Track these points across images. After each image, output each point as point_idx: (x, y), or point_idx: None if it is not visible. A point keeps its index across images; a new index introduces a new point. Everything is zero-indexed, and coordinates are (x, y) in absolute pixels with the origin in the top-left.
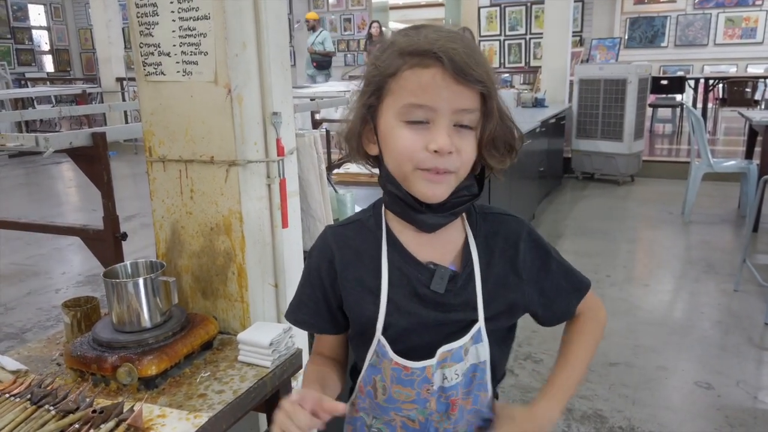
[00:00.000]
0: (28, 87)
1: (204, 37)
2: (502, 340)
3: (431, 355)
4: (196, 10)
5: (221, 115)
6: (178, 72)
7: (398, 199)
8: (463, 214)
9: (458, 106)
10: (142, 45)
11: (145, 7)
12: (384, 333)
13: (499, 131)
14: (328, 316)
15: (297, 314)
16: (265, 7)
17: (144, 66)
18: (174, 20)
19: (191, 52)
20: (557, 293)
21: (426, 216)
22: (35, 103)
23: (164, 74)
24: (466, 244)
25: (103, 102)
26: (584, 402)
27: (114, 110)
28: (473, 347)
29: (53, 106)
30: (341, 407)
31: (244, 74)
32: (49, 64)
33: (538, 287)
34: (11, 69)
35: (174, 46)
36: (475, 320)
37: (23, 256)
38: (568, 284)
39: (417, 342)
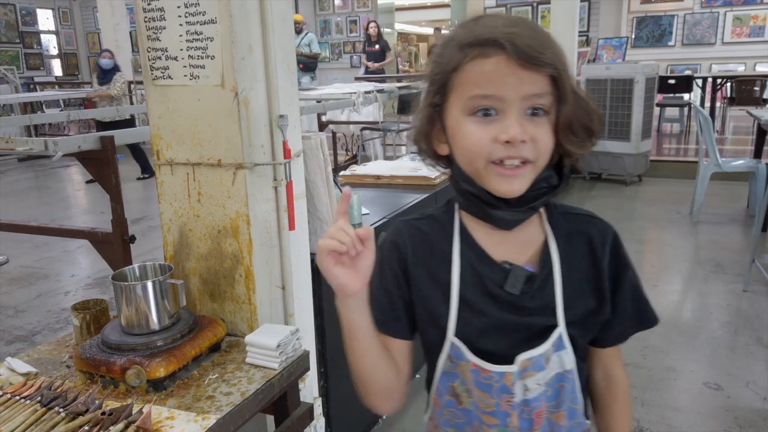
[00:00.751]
0: (36, 91)
1: (211, 41)
2: (583, 348)
3: (509, 362)
4: (203, 15)
5: (228, 118)
6: (185, 76)
7: (473, 196)
8: (542, 213)
9: (527, 92)
10: (149, 49)
11: (152, 12)
12: (457, 335)
13: (576, 114)
14: (397, 313)
15: (373, 314)
16: (271, 11)
17: (152, 70)
18: (181, 24)
19: (198, 56)
20: (620, 315)
21: (503, 212)
22: (44, 107)
23: (172, 78)
24: (545, 243)
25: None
26: None
27: (122, 114)
28: (555, 355)
29: (61, 110)
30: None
31: (250, 77)
32: (57, 68)
33: (609, 301)
34: (20, 73)
35: (181, 50)
36: (555, 325)
37: (33, 258)
38: (634, 310)
39: (492, 347)
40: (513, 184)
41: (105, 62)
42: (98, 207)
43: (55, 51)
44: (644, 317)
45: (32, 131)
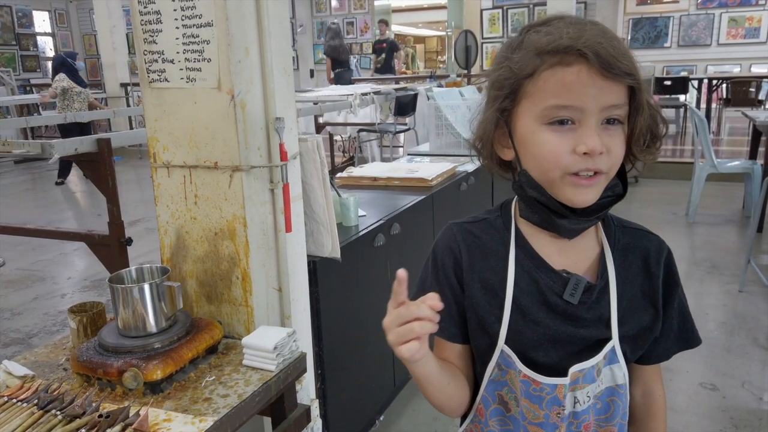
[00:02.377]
0: (33, 93)
1: (207, 44)
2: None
3: (560, 374)
4: (200, 18)
5: (225, 120)
6: (182, 78)
7: (540, 204)
8: (599, 224)
9: (606, 103)
10: (146, 52)
11: (149, 14)
12: (507, 342)
13: (647, 122)
14: (454, 317)
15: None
16: (267, 13)
17: (148, 73)
18: (178, 27)
19: (195, 58)
20: (666, 333)
21: (569, 221)
22: (40, 109)
23: (168, 81)
24: (601, 254)
25: (107, 107)
26: None
27: (118, 116)
28: (607, 368)
29: (58, 112)
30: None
31: (247, 80)
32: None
33: (663, 313)
34: (16, 75)
35: (178, 53)
36: (608, 338)
37: (29, 261)
38: (680, 329)
39: (544, 357)
40: (587, 195)
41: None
42: (95, 209)
43: (51, 53)
44: (689, 337)
45: (28, 133)
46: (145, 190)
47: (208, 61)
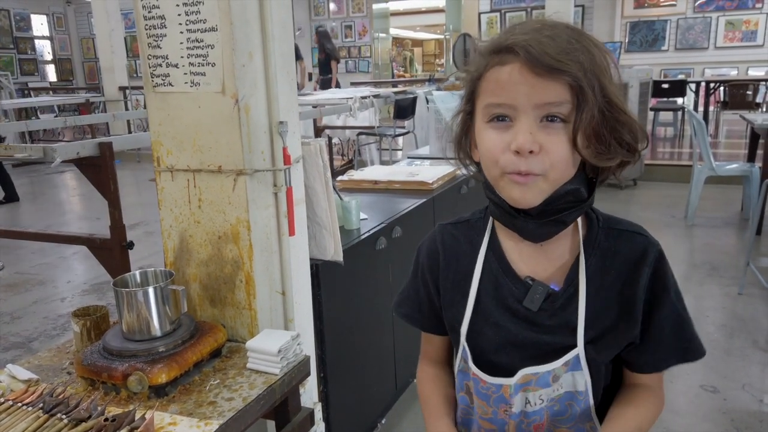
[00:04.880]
0: (31, 96)
1: (211, 48)
2: (603, 369)
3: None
4: (204, 22)
5: (228, 124)
6: (185, 83)
7: (497, 205)
8: (580, 228)
9: (540, 101)
10: (150, 57)
11: (153, 19)
12: (469, 341)
13: (606, 124)
14: (432, 314)
15: (403, 308)
16: (271, 18)
17: (152, 77)
18: (182, 32)
19: (199, 63)
20: (656, 342)
21: (525, 223)
22: (38, 112)
23: (172, 85)
24: (576, 260)
25: (106, 111)
26: None
27: (117, 119)
28: (568, 374)
29: (56, 116)
30: None
31: (250, 84)
32: (51, 73)
33: (643, 324)
34: (14, 78)
35: (182, 57)
36: (573, 345)
37: (29, 265)
38: (675, 338)
39: (505, 359)
40: (525, 194)
41: None
42: (94, 213)
43: (49, 56)
44: (688, 348)
45: (27, 137)
46: (144, 193)
47: (212, 66)
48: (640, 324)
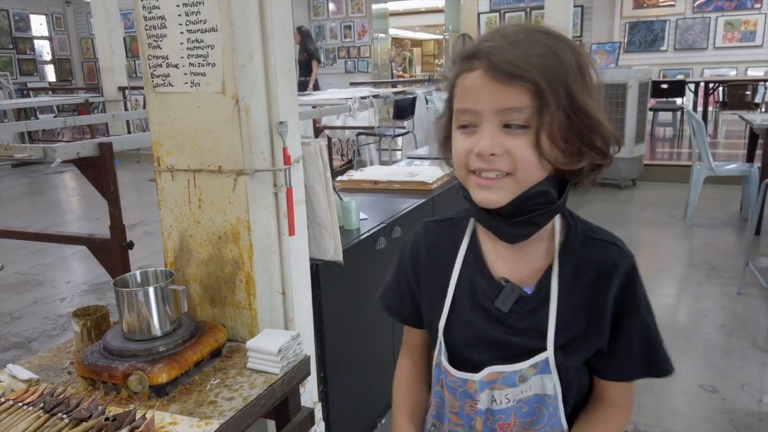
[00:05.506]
0: (30, 97)
1: (212, 48)
2: (574, 374)
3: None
4: (204, 23)
5: (229, 125)
6: (186, 83)
7: (473, 205)
8: (557, 233)
9: (500, 106)
10: (150, 57)
11: (153, 19)
12: (446, 336)
13: (574, 128)
14: (412, 307)
15: (385, 299)
16: (271, 18)
17: (152, 77)
18: (182, 33)
19: (199, 63)
20: (624, 353)
21: (498, 224)
22: (37, 113)
23: (172, 85)
24: (550, 266)
25: (105, 111)
26: None
27: (117, 119)
28: (537, 377)
29: (55, 116)
30: None
31: (251, 84)
32: (50, 73)
33: (611, 333)
34: (13, 79)
35: (182, 57)
36: (543, 349)
37: (28, 265)
38: (642, 352)
39: (477, 356)
40: (489, 195)
41: None
42: (93, 213)
43: (48, 57)
44: (653, 363)
45: (26, 137)
46: (143, 193)
47: (212, 66)
48: (607, 334)
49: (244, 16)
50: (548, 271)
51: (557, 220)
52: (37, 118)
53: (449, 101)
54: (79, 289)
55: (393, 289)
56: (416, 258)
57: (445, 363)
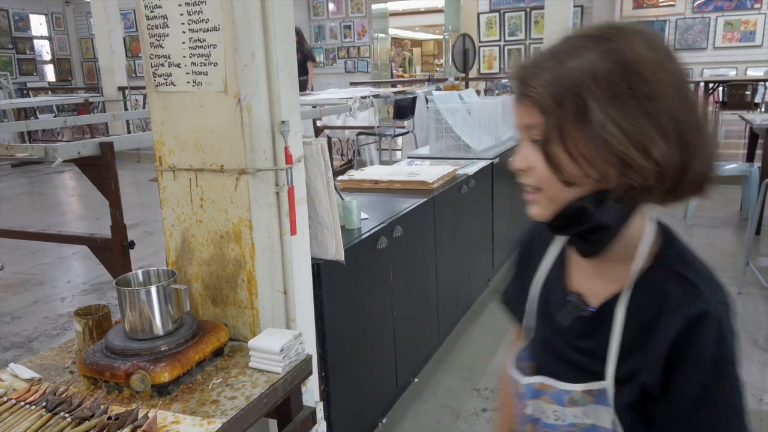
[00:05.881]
0: (29, 96)
1: (214, 48)
2: (639, 421)
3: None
4: (206, 22)
5: (231, 124)
6: (188, 83)
7: None
8: (640, 258)
9: (519, 123)
10: (152, 56)
11: (155, 19)
12: (524, 334)
13: (597, 141)
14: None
15: (504, 295)
16: (273, 18)
17: (154, 77)
18: (184, 32)
19: (201, 62)
20: (672, 415)
21: (558, 233)
22: (37, 112)
23: (174, 85)
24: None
25: (105, 111)
26: None
27: (117, 119)
28: (594, 406)
29: (55, 116)
30: None
31: (253, 84)
32: (50, 73)
33: (664, 386)
34: (13, 79)
35: (184, 57)
36: (600, 374)
37: (28, 265)
38: (686, 419)
39: (543, 359)
40: (532, 208)
41: None
42: (93, 213)
43: (48, 56)
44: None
45: (26, 137)
46: (143, 193)
47: (214, 65)
48: (655, 378)
49: (246, 15)
50: (617, 297)
51: (645, 243)
52: (37, 118)
53: None
54: (80, 289)
55: (510, 286)
56: (522, 253)
57: (509, 359)
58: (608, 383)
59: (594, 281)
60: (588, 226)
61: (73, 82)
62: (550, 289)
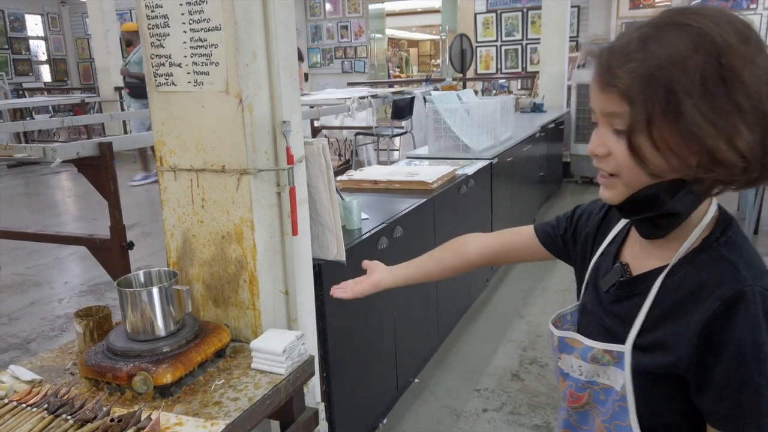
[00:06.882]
0: (25, 97)
1: (215, 47)
2: (651, 391)
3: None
4: (207, 22)
5: (232, 124)
6: (189, 82)
7: None
8: (689, 239)
9: (603, 110)
10: (153, 56)
11: (156, 18)
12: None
13: (684, 133)
14: (554, 236)
15: (545, 222)
16: (274, 18)
17: (155, 77)
18: (185, 31)
19: (202, 62)
20: (709, 397)
21: (632, 221)
22: (33, 113)
23: (175, 84)
24: (662, 268)
25: (101, 111)
26: None
27: (115, 120)
28: (613, 369)
29: (51, 116)
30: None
31: (254, 84)
32: (46, 73)
33: (698, 368)
34: (8, 79)
35: (185, 56)
36: (623, 340)
37: (25, 266)
38: (728, 407)
39: (581, 323)
40: (604, 192)
41: None
42: (89, 214)
43: (44, 57)
44: (740, 422)
45: (22, 137)
46: (140, 194)
47: (215, 65)
48: (685, 359)
49: (247, 15)
50: (658, 270)
51: (701, 225)
52: (33, 119)
53: None
54: (77, 290)
55: (552, 222)
56: (585, 219)
57: (553, 314)
58: (626, 347)
59: (642, 254)
60: (658, 213)
61: (69, 82)
62: (604, 261)
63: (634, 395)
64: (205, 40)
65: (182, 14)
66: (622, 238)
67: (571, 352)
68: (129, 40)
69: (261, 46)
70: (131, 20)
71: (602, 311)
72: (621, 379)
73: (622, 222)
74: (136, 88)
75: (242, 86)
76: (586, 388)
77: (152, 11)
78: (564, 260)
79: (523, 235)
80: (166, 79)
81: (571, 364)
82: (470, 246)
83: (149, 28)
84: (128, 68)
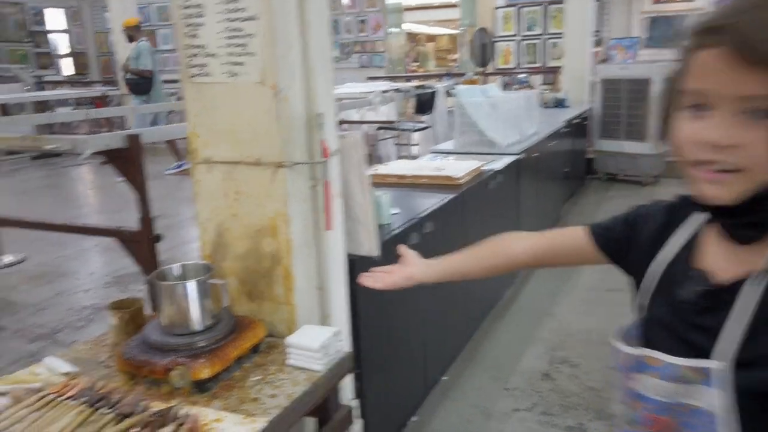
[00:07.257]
0: (46, 90)
1: (251, 37)
2: (759, 412)
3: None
4: (244, 11)
5: (267, 116)
6: (223, 73)
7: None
8: None
9: (743, 93)
10: (186, 46)
11: (190, 8)
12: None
13: None
14: (611, 236)
15: (600, 223)
16: (310, 8)
17: (188, 68)
18: (220, 21)
19: (238, 53)
20: None
21: (727, 223)
22: (54, 106)
23: (209, 75)
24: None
25: (120, 105)
26: (600, 402)
27: (137, 112)
28: (702, 387)
29: (73, 109)
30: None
31: (290, 75)
32: (66, 67)
33: None
34: (30, 72)
35: (220, 47)
36: (708, 354)
37: (49, 257)
38: None
39: (653, 338)
40: (712, 190)
41: None
42: (111, 206)
43: (65, 50)
44: None
45: (42, 130)
46: (161, 187)
47: (251, 56)
48: None
49: (283, 6)
50: (754, 277)
51: None
52: (54, 112)
53: (672, 79)
54: (102, 281)
55: (611, 222)
56: (653, 220)
57: (618, 330)
58: (718, 363)
59: (724, 261)
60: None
61: (89, 75)
62: (675, 268)
63: (739, 418)
64: (241, 30)
65: (217, 3)
66: (693, 242)
67: (647, 371)
68: (130, 36)
69: (296, 36)
70: (149, 14)
71: (683, 323)
72: (712, 399)
73: (691, 225)
74: (135, 84)
75: (278, 77)
76: (669, 410)
77: (186, 1)
78: (619, 265)
79: (573, 236)
80: (200, 69)
81: (649, 384)
82: (516, 245)
83: (182, 18)
84: (127, 63)
